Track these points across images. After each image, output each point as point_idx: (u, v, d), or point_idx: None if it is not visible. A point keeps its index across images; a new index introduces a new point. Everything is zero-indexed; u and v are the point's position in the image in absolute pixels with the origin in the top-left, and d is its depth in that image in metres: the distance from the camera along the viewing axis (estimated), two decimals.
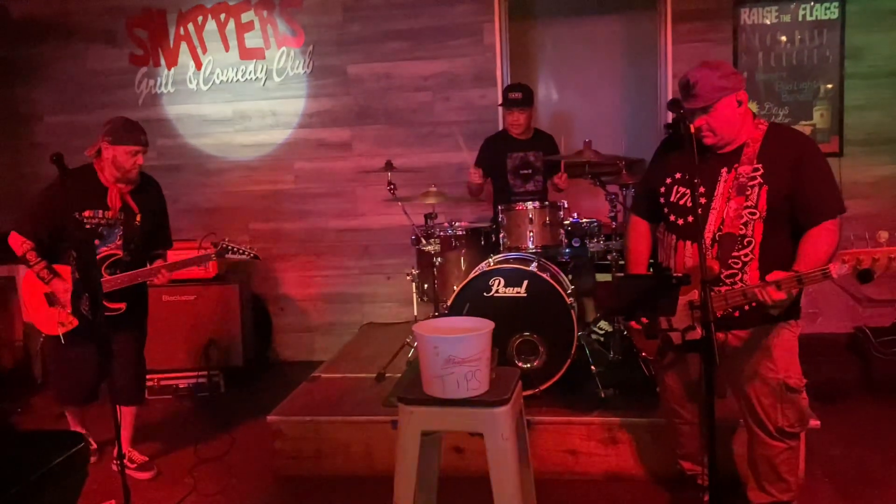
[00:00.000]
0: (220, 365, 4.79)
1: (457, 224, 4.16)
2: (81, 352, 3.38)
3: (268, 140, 5.33)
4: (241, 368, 4.90)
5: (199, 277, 4.79)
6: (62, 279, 3.29)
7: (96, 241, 3.29)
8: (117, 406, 3.15)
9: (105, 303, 3.33)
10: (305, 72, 5.19)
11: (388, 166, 4.25)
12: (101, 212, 3.30)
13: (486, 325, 2.41)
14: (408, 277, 4.34)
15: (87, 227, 3.27)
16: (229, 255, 3.37)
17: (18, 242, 3.30)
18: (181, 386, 4.70)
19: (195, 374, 4.71)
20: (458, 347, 2.30)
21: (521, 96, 4.37)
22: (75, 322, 3.32)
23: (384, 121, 5.19)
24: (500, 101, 4.68)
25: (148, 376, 3.99)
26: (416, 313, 4.38)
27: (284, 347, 5.46)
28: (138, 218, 3.36)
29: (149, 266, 3.39)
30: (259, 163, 5.35)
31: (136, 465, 3.64)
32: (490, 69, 5.03)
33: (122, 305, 3.38)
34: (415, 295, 4.34)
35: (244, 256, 3.42)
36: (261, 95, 5.26)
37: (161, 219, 3.54)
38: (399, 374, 4.06)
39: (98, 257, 3.31)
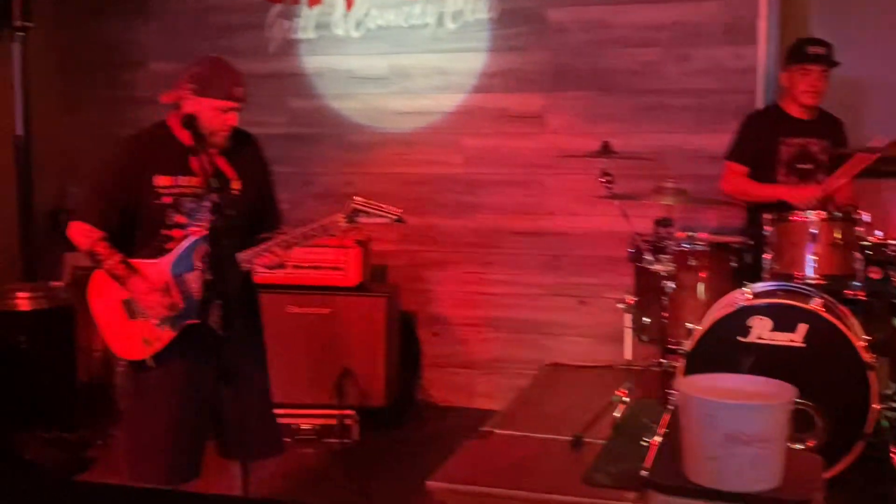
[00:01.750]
0: (356, 404, 4.94)
1: (697, 235, 4.09)
2: (182, 388, 3.26)
3: (432, 106, 5.46)
4: (382, 410, 5.03)
5: (337, 285, 4.97)
6: (142, 277, 3.20)
7: (179, 219, 3.24)
8: (245, 461, 3.23)
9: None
10: (489, 16, 5.29)
11: (605, 150, 4.24)
12: (181, 178, 3.23)
13: (782, 391, 2.34)
14: (618, 306, 4.30)
15: (165, 199, 3.21)
16: (363, 219, 3.22)
17: (83, 233, 3.23)
18: (303, 427, 4.88)
19: (323, 413, 4.87)
20: (748, 420, 2.25)
21: (824, 51, 4.29)
22: (166, 337, 3.24)
23: (592, 86, 5.20)
24: (788, 59, 4.44)
25: None
26: (628, 355, 4.33)
27: (436, 386, 5.58)
28: (235, 185, 3.31)
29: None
30: (418, 136, 5.50)
31: None
32: (749, 18, 4.94)
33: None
34: (627, 330, 4.30)
35: (385, 218, 3.25)
36: (427, 47, 5.41)
37: (265, 188, 3.50)
38: (602, 441, 4.04)
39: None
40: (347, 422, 4.88)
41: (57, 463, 4.52)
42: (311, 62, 5.61)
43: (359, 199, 3.22)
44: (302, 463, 4.65)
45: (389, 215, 3.24)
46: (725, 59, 4.99)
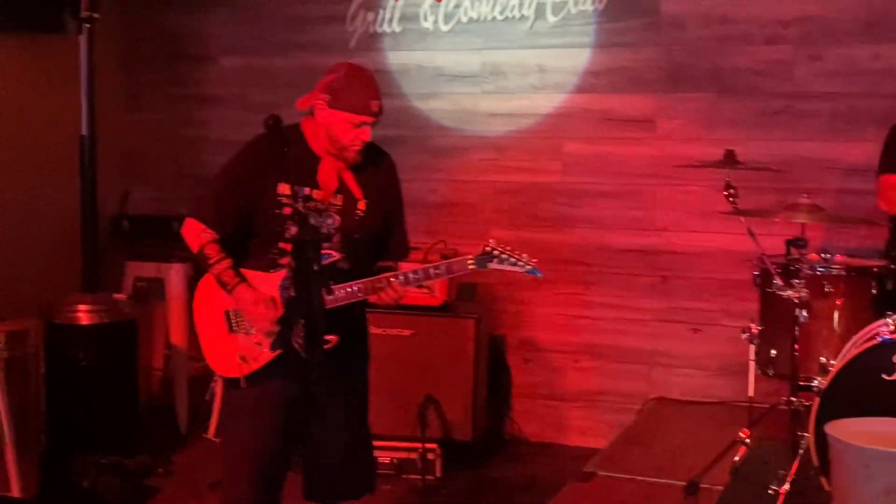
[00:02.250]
0: (440, 436, 4.96)
1: (833, 258, 4.03)
2: (270, 415, 3.31)
3: (528, 108, 5.48)
4: (468, 444, 5.05)
5: (423, 304, 4.99)
6: (250, 287, 3.26)
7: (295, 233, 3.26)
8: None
9: None
10: (595, 8, 5.30)
11: (729, 159, 4.20)
12: (306, 190, 3.28)
13: None
14: (743, 336, 4.25)
15: (286, 210, 3.23)
16: (493, 265, 3.29)
17: (196, 233, 3.29)
18: (382, 461, 4.88)
19: (403, 445, 4.89)
20: None
21: None
22: (263, 358, 3.29)
23: (711, 87, 5.17)
24: None
25: None
26: (750, 391, 4.28)
27: (527, 419, 5.58)
28: (361, 205, 3.35)
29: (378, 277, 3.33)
30: (512, 141, 5.52)
31: None
32: (891, 14, 4.85)
33: (335, 338, 3.27)
34: (751, 363, 4.25)
35: (517, 268, 3.32)
36: (524, 42, 5.43)
37: (393, 211, 3.52)
38: (720, 487, 3.98)
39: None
40: (430, 456, 4.89)
41: (115, 491, 4.60)
42: (395, 58, 5.67)
43: (493, 242, 3.29)
44: (379, 501, 4.67)
45: (525, 265, 3.31)
46: (862, 60, 4.92)
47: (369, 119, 3.25)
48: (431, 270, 3.33)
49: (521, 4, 5.41)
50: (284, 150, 3.19)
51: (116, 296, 5.16)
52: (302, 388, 3.15)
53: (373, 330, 4.99)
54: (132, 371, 5.04)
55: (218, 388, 5.19)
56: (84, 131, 4.93)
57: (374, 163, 3.42)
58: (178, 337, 5.63)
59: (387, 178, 3.50)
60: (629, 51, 5.27)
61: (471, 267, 3.29)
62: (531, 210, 5.50)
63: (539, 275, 3.36)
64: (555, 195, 5.47)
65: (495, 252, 3.29)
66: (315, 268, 3.08)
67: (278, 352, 3.26)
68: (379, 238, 3.44)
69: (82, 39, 4.91)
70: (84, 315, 4.85)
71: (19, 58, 5.30)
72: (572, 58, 5.37)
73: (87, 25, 4.89)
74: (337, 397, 3.35)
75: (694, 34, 5.17)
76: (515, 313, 5.58)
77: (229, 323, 3.33)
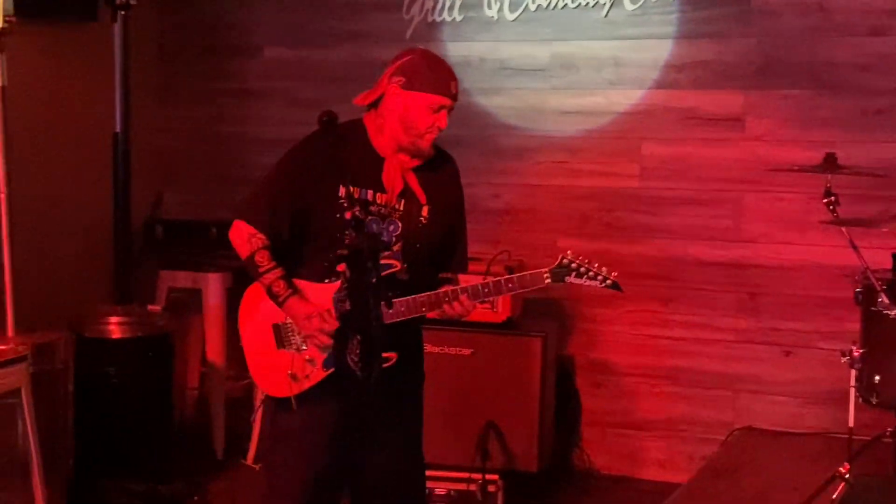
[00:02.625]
0: (502, 467, 4.91)
1: None
2: (321, 440, 3.32)
3: (602, 105, 5.45)
4: (533, 476, 5.01)
5: (482, 321, 4.95)
6: (303, 299, 3.28)
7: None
8: None
9: None
10: None
11: (829, 163, 4.15)
12: (369, 192, 3.30)
13: None
14: (842, 359, 4.18)
15: (346, 214, 3.12)
16: (571, 279, 3.30)
17: (245, 237, 3.30)
18: (437, 492, 4.87)
19: (462, 476, 4.83)
20: None
21: None
22: (316, 375, 3.30)
23: (807, 83, 5.12)
24: None
25: None
26: (850, 422, 4.20)
27: (598, 449, 5.54)
28: (424, 211, 3.36)
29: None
30: (584, 142, 5.48)
31: None
32: None
33: (394, 355, 3.28)
34: (852, 390, 4.18)
35: (596, 283, 3.32)
36: (599, 33, 5.40)
37: (456, 220, 3.53)
38: None
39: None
40: (491, 488, 4.82)
41: None
42: (456, 50, 5.64)
43: (570, 254, 3.32)
44: None
45: (605, 280, 3.32)
46: None
47: (448, 102, 3.28)
48: (504, 284, 3.31)
49: None
50: (344, 148, 3.23)
51: (151, 307, 5.18)
52: (354, 411, 3.15)
53: (429, 348, 4.97)
54: (167, 390, 5.05)
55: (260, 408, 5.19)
56: (118, 128, 4.97)
57: (437, 166, 3.43)
58: (215, 353, 5.65)
59: (450, 183, 3.51)
60: (716, 42, 5.23)
61: (547, 281, 3.29)
62: (605, 218, 5.47)
63: (620, 290, 3.37)
64: (631, 202, 5.43)
65: (573, 265, 3.29)
66: (373, 279, 3.04)
67: (332, 370, 3.27)
68: (440, 248, 3.45)
69: (116, 28, 4.95)
70: (115, 328, 4.88)
71: (46, 47, 5.31)
72: (652, 50, 5.33)
73: (123, 13, 4.93)
74: (389, 421, 3.31)
75: (788, 24, 5.11)
76: (586, 332, 5.54)
77: (278, 338, 3.34)
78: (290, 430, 3.34)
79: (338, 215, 3.21)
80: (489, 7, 5.56)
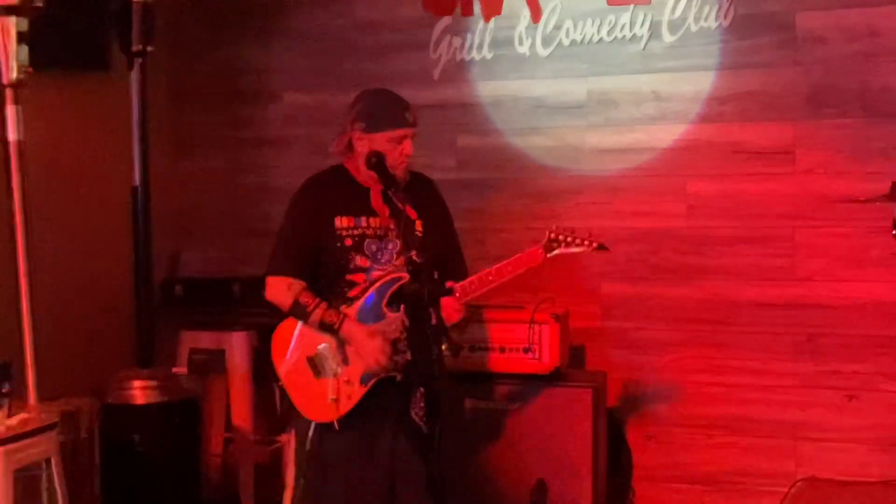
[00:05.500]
0: None
1: None
2: (358, 462, 3.74)
3: (644, 142, 5.44)
4: None
5: (528, 372, 4.93)
6: (356, 321, 3.75)
7: (361, 261, 3.80)
8: None
9: None
10: (720, 24, 5.25)
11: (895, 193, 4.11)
12: (364, 219, 3.85)
13: None
14: None
15: (347, 241, 3.80)
16: (562, 249, 3.94)
17: (282, 289, 3.82)
18: None
19: None
20: None
21: None
22: (356, 395, 3.71)
23: (859, 111, 5.09)
24: None
25: None
26: None
27: None
28: (418, 224, 3.81)
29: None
30: (626, 181, 5.47)
31: None
32: None
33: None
34: None
35: (582, 248, 3.94)
36: (637, 66, 5.40)
37: (446, 232, 4.06)
38: None
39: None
40: None
41: None
42: (487, 89, 5.66)
43: (556, 227, 3.99)
44: None
45: (591, 244, 3.96)
46: None
47: (409, 131, 3.81)
48: (504, 267, 3.93)
49: (632, 23, 5.37)
50: (333, 188, 3.88)
51: (175, 370, 5.14)
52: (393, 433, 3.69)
53: (469, 403, 5.01)
54: (195, 457, 5.04)
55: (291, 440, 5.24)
56: (136, 182, 4.95)
57: (417, 185, 3.94)
58: (241, 417, 5.61)
59: (433, 196, 4.06)
60: (761, 72, 5.22)
61: (542, 255, 3.96)
62: (651, 260, 5.43)
63: (607, 249, 4.04)
64: (678, 242, 5.39)
65: (560, 237, 3.95)
66: (434, 328, 3.37)
67: (372, 382, 3.71)
68: (439, 260, 3.84)
69: (134, 76, 4.96)
70: (140, 393, 4.86)
71: (58, 98, 5.30)
72: (694, 82, 5.32)
73: (140, 60, 4.92)
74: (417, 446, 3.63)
75: (837, 51, 5.10)
76: (635, 382, 5.48)
77: (314, 369, 3.78)
78: (329, 455, 3.74)
79: (338, 244, 3.79)
80: (521, 43, 5.57)
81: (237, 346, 5.56)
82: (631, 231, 5.43)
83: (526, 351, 4.97)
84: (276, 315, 3.99)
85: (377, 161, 3.69)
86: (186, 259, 6.20)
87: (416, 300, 3.29)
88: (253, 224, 5.96)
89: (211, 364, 5.67)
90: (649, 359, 5.44)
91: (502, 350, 5.00)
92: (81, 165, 5.46)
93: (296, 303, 3.74)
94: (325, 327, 3.72)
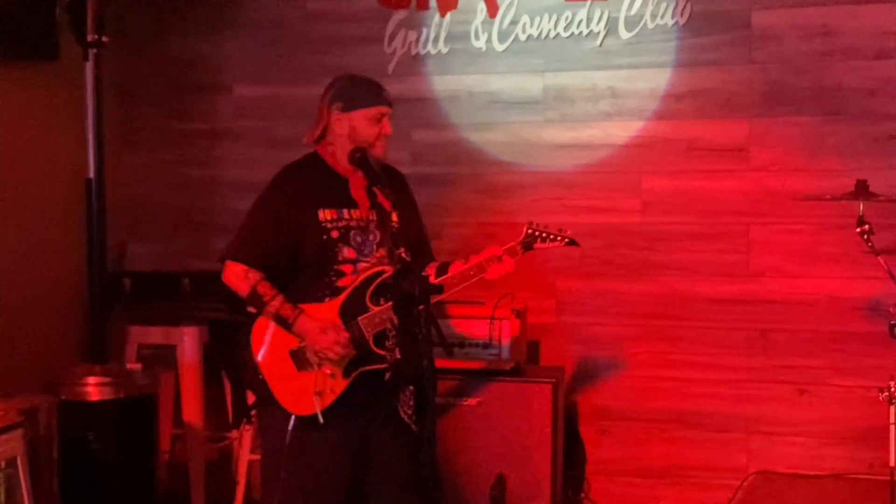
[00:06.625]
0: None
1: None
2: (337, 458, 3.75)
3: (599, 138, 5.47)
4: None
5: (491, 369, 4.95)
6: (311, 316, 3.69)
7: (349, 253, 3.75)
8: None
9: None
10: (677, 22, 5.30)
11: (860, 191, 4.19)
12: (346, 211, 3.81)
13: None
14: (881, 395, 4.22)
15: (333, 234, 3.75)
16: (539, 245, 3.98)
17: (241, 275, 3.76)
18: None
19: None
20: None
21: None
22: (338, 387, 3.69)
23: (813, 110, 5.17)
24: None
25: None
26: (892, 462, 4.22)
27: (606, 499, 5.50)
28: (394, 216, 3.73)
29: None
30: (581, 177, 5.50)
31: None
32: None
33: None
34: (893, 428, 4.20)
35: (557, 243, 4.01)
36: (594, 62, 5.43)
37: (418, 223, 4.10)
38: None
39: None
40: None
41: None
42: (443, 83, 5.66)
43: (534, 223, 3.98)
44: None
45: (563, 239, 4.03)
46: None
47: (386, 109, 3.83)
48: (483, 261, 3.87)
49: (588, 19, 5.40)
50: (310, 179, 3.83)
51: (130, 366, 5.07)
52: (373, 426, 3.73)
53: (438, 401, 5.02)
54: (150, 455, 4.98)
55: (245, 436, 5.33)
56: (91, 174, 4.89)
57: (391, 178, 3.90)
58: (192, 414, 5.55)
59: (404, 189, 4.06)
60: (717, 70, 5.28)
61: (520, 250, 3.94)
62: (605, 256, 5.47)
63: (577, 245, 4.13)
64: (633, 238, 5.44)
65: (537, 233, 3.96)
66: (424, 326, 3.29)
67: (354, 375, 3.69)
68: (414, 246, 3.81)
69: (89, 67, 4.88)
70: (94, 389, 4.78)
71: (4, 88, 5.19)
72: (650, 79, 5.37)
73: (94, 51, 4.85)
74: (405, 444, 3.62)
75: (792, 49, 5.18)
76: (589, 377, 5.52)
77: (297, 362, 3.74)
78: (318, 445, 3.69)
79: (325, 237, 3.74)
80: (476, 38, 5.57)
81: (188, 341, 5.50)
82: (586, 227, 5.35)
83: (486, 346, 5.02)
84: (229, 310, 4.12)
85: (361, 156, 3.69)
86: (134, 253, 6.11)
87: (407, 298, 3.27)
88: (202, 217, 5.94)
89: (160, 359, 5.62)
90: (604, 353, 5.48)
91: (462, 345, 5.02)
92: (31, 157, 5.33)
93: (253, 292, 3.70)
94: (280, 321, 3.69)
